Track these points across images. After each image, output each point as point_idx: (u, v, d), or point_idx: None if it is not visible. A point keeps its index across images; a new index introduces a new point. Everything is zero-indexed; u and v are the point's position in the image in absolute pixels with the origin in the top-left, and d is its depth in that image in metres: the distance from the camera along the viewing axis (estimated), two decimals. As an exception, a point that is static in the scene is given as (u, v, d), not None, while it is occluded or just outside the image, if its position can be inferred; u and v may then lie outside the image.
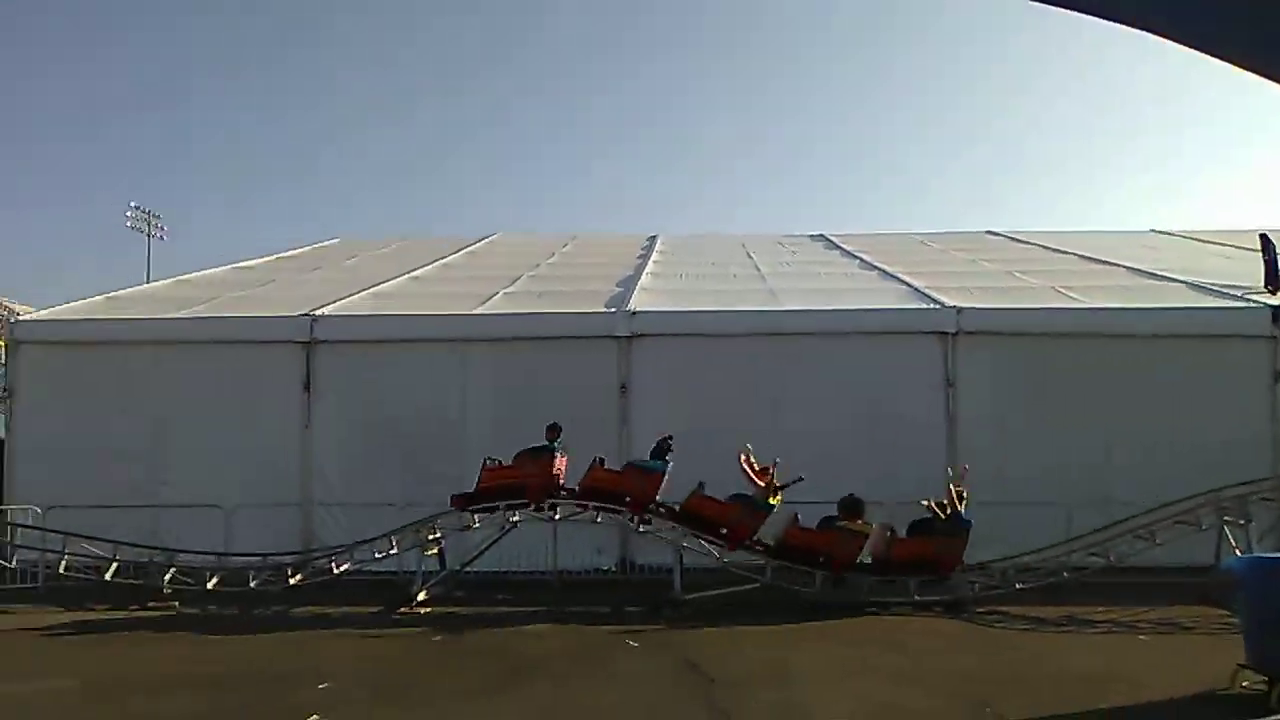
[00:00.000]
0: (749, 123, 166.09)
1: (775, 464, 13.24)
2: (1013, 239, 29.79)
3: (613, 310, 17.68)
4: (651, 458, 13.37)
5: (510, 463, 13.14)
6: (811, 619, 11.96)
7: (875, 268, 23.34)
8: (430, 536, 13.54)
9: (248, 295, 20.55)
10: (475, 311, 18.03)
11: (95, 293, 20.83)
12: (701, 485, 13.30)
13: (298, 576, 13.52)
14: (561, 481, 13.14)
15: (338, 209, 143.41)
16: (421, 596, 13.06)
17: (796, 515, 13.13)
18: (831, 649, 10.35)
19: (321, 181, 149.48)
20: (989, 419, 16.31)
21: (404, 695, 8.60)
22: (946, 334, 16.66)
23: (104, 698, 8.77)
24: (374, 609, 12.71)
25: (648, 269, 23.15)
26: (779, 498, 13.15)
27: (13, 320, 19.80)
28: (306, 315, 17.33)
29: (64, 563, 13.98)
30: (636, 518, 13.16)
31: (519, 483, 13.05)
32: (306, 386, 16.79)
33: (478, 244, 29.79)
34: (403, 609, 12.74)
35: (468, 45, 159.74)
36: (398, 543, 13.58)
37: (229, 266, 25.23)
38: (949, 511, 13.22)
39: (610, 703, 8.15)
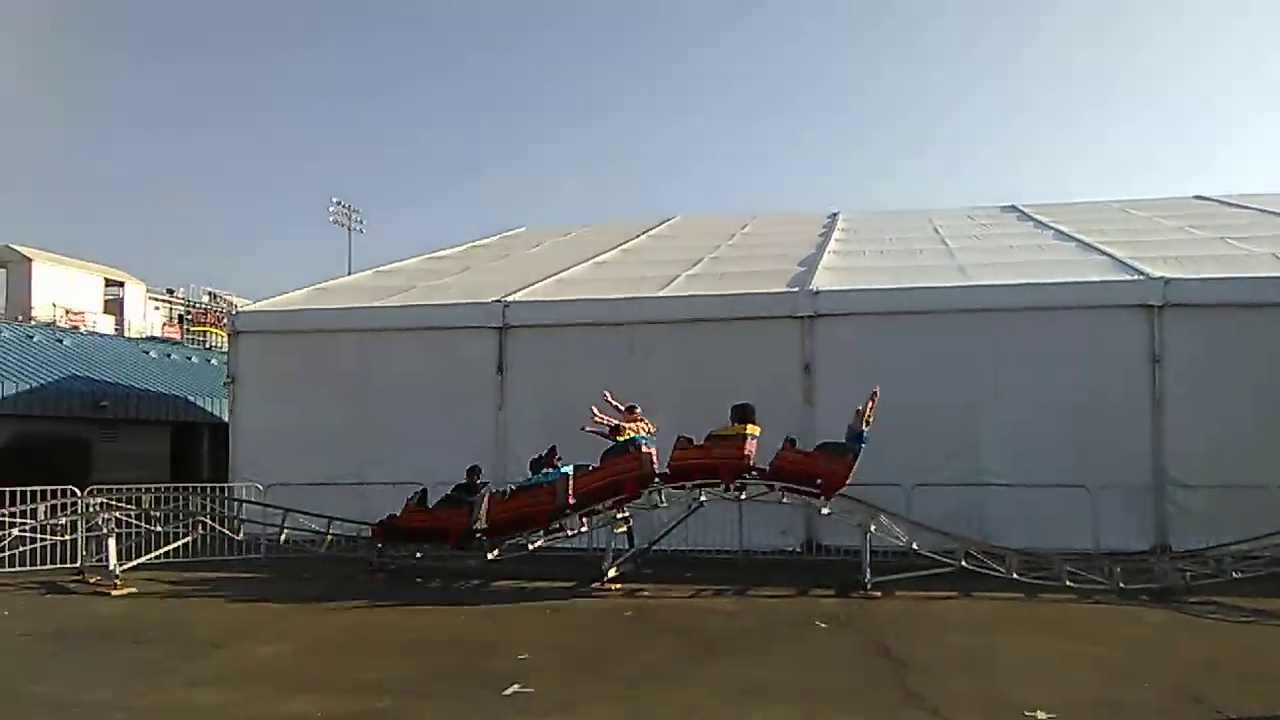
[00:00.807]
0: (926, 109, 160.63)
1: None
2: (1224, 203, 27.72)
3: (795, 290, 17.54)
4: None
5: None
6: (1009, 605, 11.58)
7: (1072, 239, 22.23)
8: (619, 515, 13.83)
9: (443, 284, 21.49)
10: (658, 294, 18.27)
11: (304, 284, 22.26)
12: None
13: (495, 551, 14.09)
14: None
15: (519, 204, 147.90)
16: (612, 573, 13.37)
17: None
18: (1032, 639, 9.96)
19: (504, 178, 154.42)
20: (1199, 397, 15.34)
21: (599, 668, 8.86)
22: (1152, 307, 15.75)
23: (323, 660, 9.44)
24: (567, 584, 13.13)
25: (830, 247, 22.82)
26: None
27: (234, 312, 21.39)
28: (499, 301, 18.03)
29: (284, 535, 15.09)
30: (823, 498, 12.95)
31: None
32: (500, 369, 17.49)
33: (659, 227, 30.09)
34: (594, 584, 13.10)
35: (652, 48, 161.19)
36: (588, 520, 13.95)
37: (424, 256, 26.43)
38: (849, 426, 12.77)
39: (801, 684, 8.14)
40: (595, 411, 13.96)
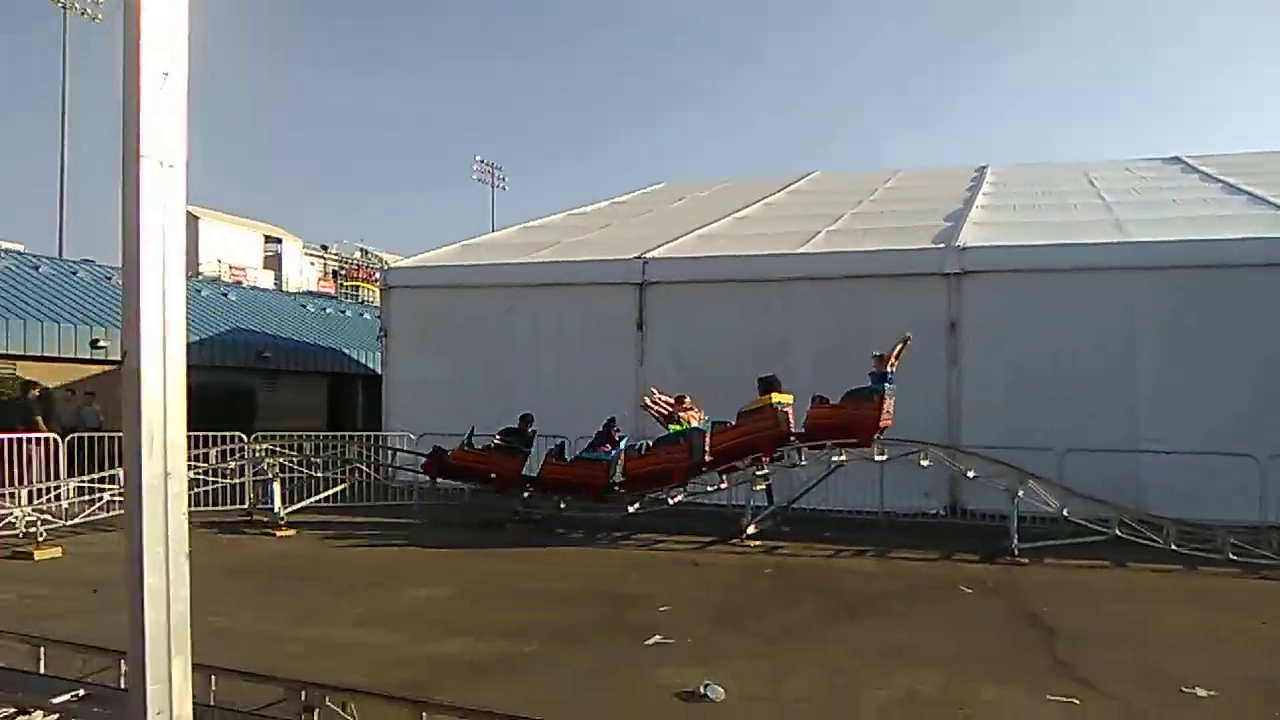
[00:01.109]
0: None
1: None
2: None
3: (941, 246, 17.06)
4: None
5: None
6: (1166, 576, 11.12)
7: (1242, 191, 20.86)
8: (758, 472, 13.84)
9: (585, 240, 21.74)
10: (799, 250, 18.05)
11: (450, 240, 22.89)
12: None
13: (635, 505, 14.32)
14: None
15: (658, 163, 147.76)
16: (751, 530, 13.43)
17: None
18: (1190, 612, 9.54)
19: (645, 133, 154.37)
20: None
21: (739, 624, 8.94)
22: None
23: (472, 605, 9.82)
24: (707, 539, 13.25)
25: (978, 202, 22.07)
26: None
27: (385, 268, 22.17)
28: (639, 258, 18.13)
29: (435, 483, 15.68)
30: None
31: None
32: (640, 325, 17.63)
33: (799, 182, 29.63)
34: (733, 540, 13.18)
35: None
36: (727, 477, 14.01)
37: (567, 213, 26.76)
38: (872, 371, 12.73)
39: (944, 648, 8.02)
40: (648, 401, 14.35)
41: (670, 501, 14.11)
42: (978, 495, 14.21)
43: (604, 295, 18.08)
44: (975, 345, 15.79)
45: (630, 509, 14.12)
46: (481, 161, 66.32)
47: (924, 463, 13.13)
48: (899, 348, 12.88)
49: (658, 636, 8.23)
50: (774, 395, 13.21)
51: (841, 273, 16.95)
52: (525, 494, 15.02)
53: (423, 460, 15.26)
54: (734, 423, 13.38)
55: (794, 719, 6.13)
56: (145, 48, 1.59)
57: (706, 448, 13.52)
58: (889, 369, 12.74)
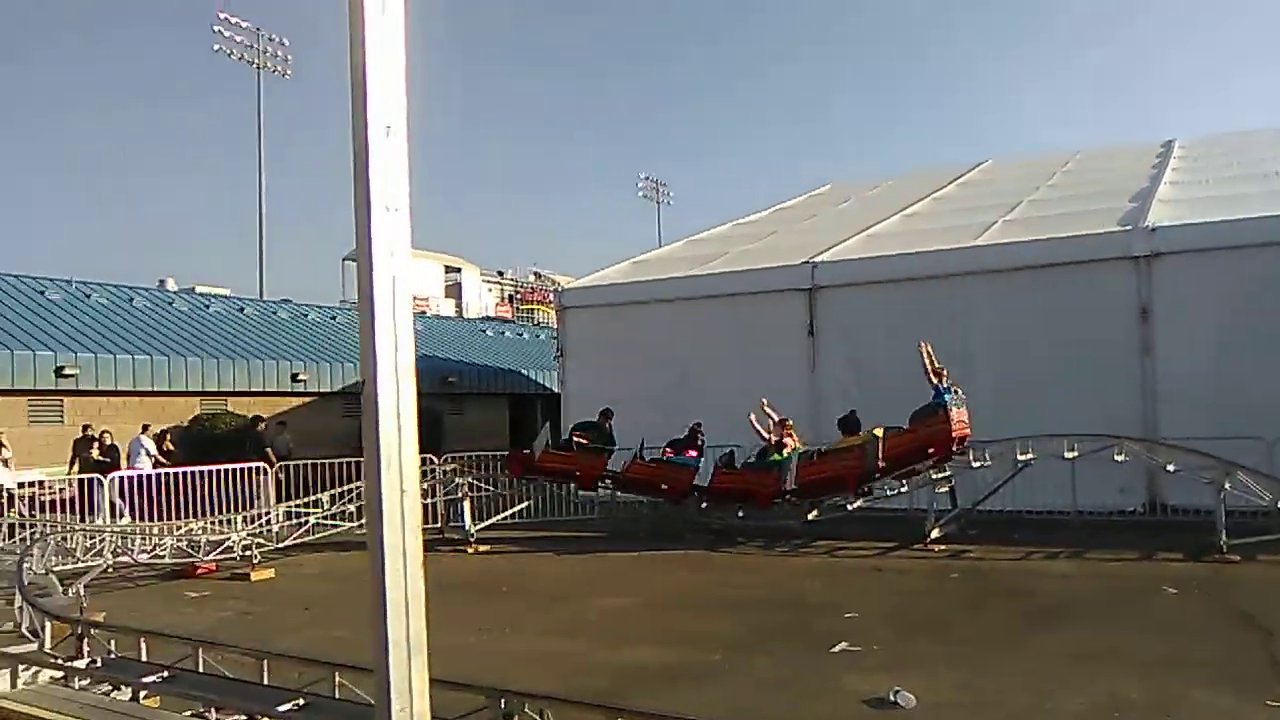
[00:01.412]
0: None
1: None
2: None
3: (1127, 228, 16.21)
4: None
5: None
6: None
7: None
8: (939, 475, 13.52)
9: (752, 249, 21.77)
10: (973, 243, 17.52)
11: (619, 258, 23.35)
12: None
13: (814, 512, 14.22)
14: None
15: (820, 160, 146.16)
16: (935, 534, 13.12)
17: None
18: None
19: (803, 131, 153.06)
20: None
21: (928, 629, 8.77)
22: None
23: (657, 614, 10.02)
24: (889, 545, 13.04)
25: (1165, 178, 20.86)
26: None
27: (559, 290, 22.83)
28: (807, 263, 18.02)
29: (616, 497, 16.04)
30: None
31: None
32: (811, 331, 17.51)
33: (970, 173, 28.73)
34: (916, 546, 12.91)
35: None
36: (908, 480, 13.74)
37: (732, 223, 26.85)
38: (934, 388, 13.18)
39: (1151, 653, 7.63)
40: (754, 420, 14.84)
41: (850, 507, 13.96)
42: (1179, 490, 13.43)
43: (774, 303, 18.05)
44: (1170, 331, 14.92)
45: (809, 516, 14.05)
46: (646, 179, 67.29)
47: (1119, 458, 12.51)
48: (927, 361, 13.47)
49: (844, 644, 8.18)
50: (858, 435, 13.85)
51: (1020, 263, 16.34)
52: (703, 504, 15.16)
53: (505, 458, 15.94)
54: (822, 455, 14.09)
55: (988, 726, 5.98)
56: (371, 105, 1.84)
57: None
58: (940, 383, 13.27)
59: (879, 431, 13.49)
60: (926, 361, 13.46)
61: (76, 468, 16.47)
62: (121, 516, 15.24)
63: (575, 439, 15.58)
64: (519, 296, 65.79)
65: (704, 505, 15.18)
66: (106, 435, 17.49)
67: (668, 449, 15.19)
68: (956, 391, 13.37)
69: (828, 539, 13.63)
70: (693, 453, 14.85)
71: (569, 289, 21.92)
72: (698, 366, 18.41)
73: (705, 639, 8.62)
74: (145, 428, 20.84)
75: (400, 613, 1.80)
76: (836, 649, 8.05)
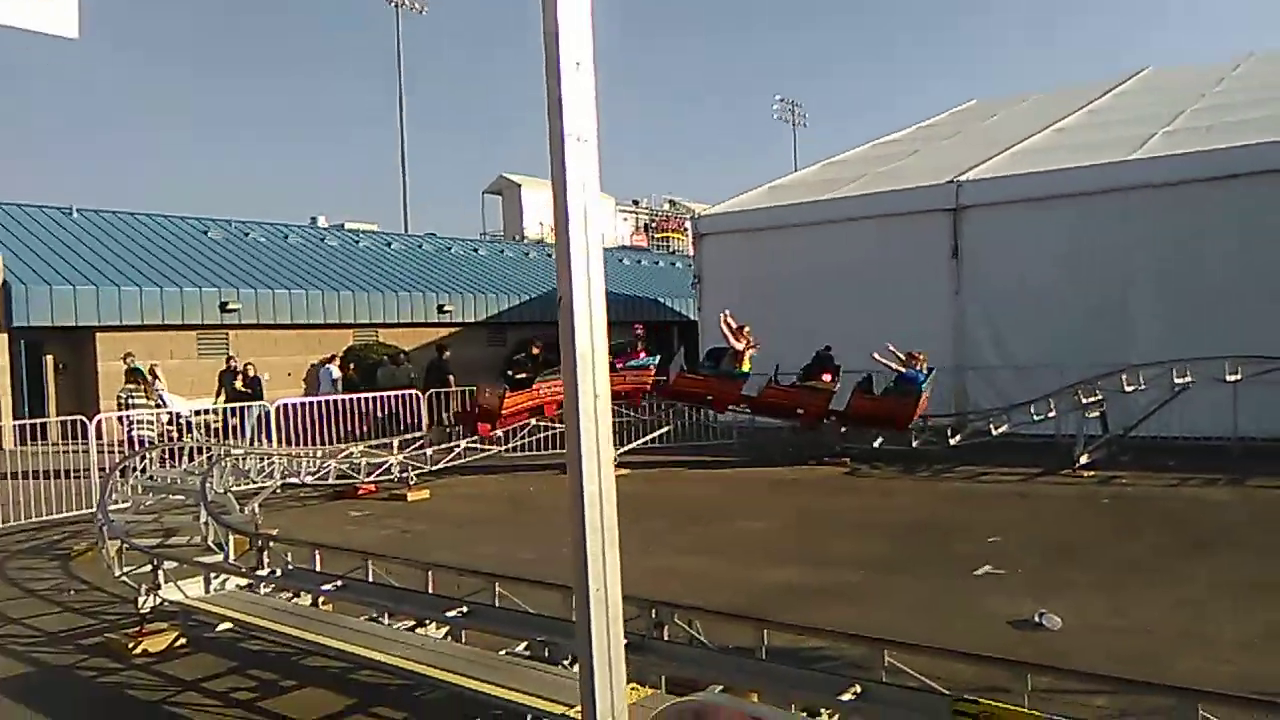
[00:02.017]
0: None
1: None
2: None
3: (1300, 138, 15.11)
4: None
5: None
6: None
7: None
8: (1089, 399, 13.12)
9: (892, 169, 21.22)
10: (1128, 158, 16.63)
11: (754, 184, 23.13)
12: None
13: (956, 438, 14.04)
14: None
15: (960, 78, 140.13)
16: (1084, 460, 12.78)
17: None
18: None
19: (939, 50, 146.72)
20: None
21: (1075, 556, 8.63)
22: None
23: (797, 536, 10.15)
24: (1035, 470, 12.79)
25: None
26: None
27: (696, 217, 22.83)
28: (951, 182, 17.49)
29: (754, 422, 16.16)
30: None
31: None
32: (954, 253, 17.06)
33: (1126, 83, 27.12)
34: (1065, 471, 12.62)
35: None
36: (1056, 405, 13.38)
37: (871, 143, 26.18)
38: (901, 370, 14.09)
39: (1315, 581, 7.35)
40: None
41: (994, 431, 13.73)
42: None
43: (916, 225, 17.61)
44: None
45: (951, 441, 13.89)
46: (781, 100, 65.99)
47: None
48: (911, 359, 14.39)
49: (987, 567, 8.15)
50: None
51: (1182, 177, 15.41)
52: (842, 429, 15.13)
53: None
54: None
55: (1139, 650, 5.90)
56: (562, 41, 2.01)
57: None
58: (919, 367, 14.17)
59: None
60: (892, 357, 14.51)
61: (223, 398, 17.59)
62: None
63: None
64: (654, 225, 65.88)
65: (843, 430, 15.15)
66: (250, 367, 18.60)
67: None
68: (932, 373, 14.42)
69: (969, 464, 13.45)
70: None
71: (705, 215, 21.87)
72: (836, 292, 18.18)
73: (845, 560, 8.72)
74: (332, 357, 22.45)
75: (595, 501, 2.00)
76: (980, 572, 8.03)
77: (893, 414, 14.32)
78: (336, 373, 21.10)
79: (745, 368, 15.19)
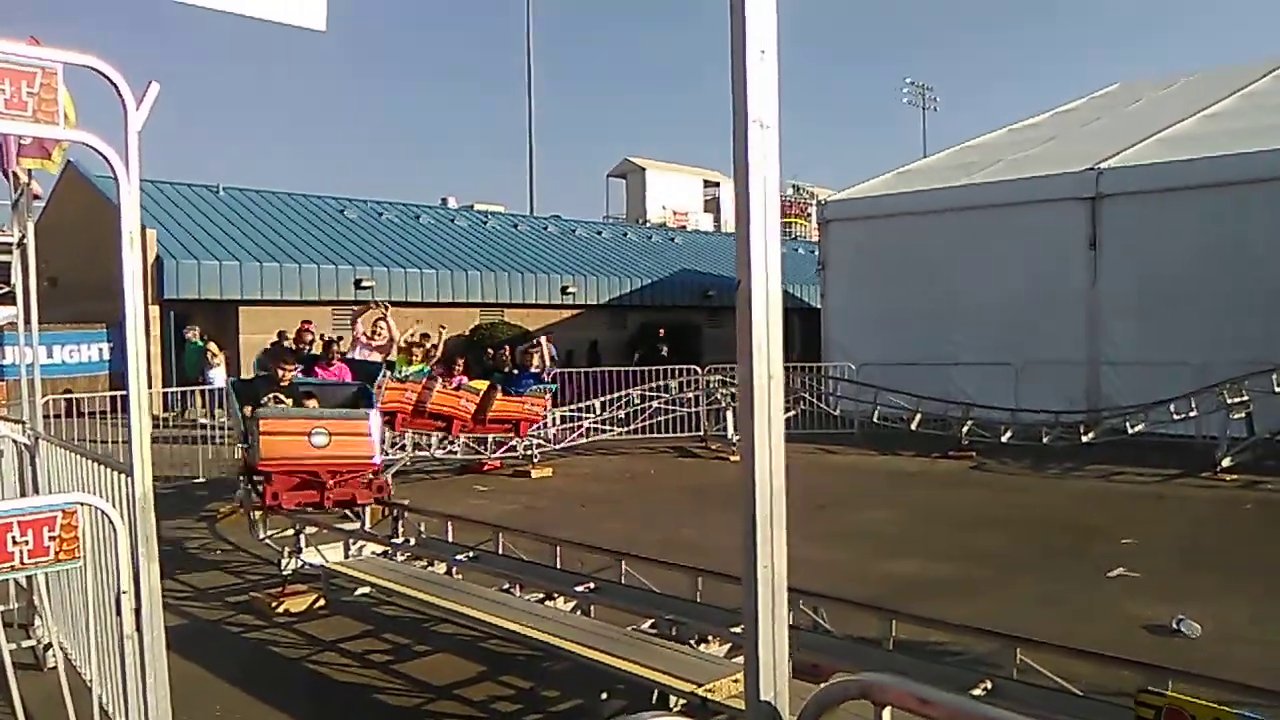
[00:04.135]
0: None
1: None
2: None
3: None
4: None
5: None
6: None
7: None
8: (1235, 399, 12.54)
9: (1029, 155, 20.58)
10: (1290, 145, 15.72)
11: (880, 170, 22.74)
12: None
13: (1090, 434, 13.61)
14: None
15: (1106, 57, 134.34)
16: (1226, 463, 12.23)
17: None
18: None
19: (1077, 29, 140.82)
20: None
21: (1214, 561, 8.31)
22: None
23: (922, 528, 10.01)
24: (1173, 472, 12.31)
25: None
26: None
27: (822, 202, 22.58)
28: (1091, 170, 16.89)
29: (876, 412, 15.96)
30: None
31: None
32: (1092, 243, 16.49)
33: (1286, 66, 25.58)
34: (1205, 474, 12.11)
35: None
36: (1198, 404, 12.84)
37: (1006, 129, 25.41)
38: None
39: None
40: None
41: (1130, 430, 13.26)
42: None
43: (1052, 213, 17.05)
44: None
45: (1085, 438, 13.48)
46: (911, 83, 64.55)
47: None
48: (536, 354, 13.96)
49: (1121, 569, 7.91)
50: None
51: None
52: (969, 422, 14.83)
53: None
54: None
55: (1283, 663, 5.67)
56: (750, 30, 2.11)
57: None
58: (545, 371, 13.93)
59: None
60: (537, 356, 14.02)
61: None
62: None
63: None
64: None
65: (967, 426, 14.83)
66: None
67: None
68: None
69: (1103, 463, 13.02)
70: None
71: (831, 201, 21.62)
72: (967, 281, 17.80)
73: (974, 555, 8.58)
74: (549, 333, 23.56)
75: (766, 480, 2.09)
76: (1114, 574, 7.80)
77: (517, 417, 13.45)
78: (554, 350, 22.66)
79: (412, 367, 12.60)
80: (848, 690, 1.87)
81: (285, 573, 7.70)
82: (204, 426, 14.92)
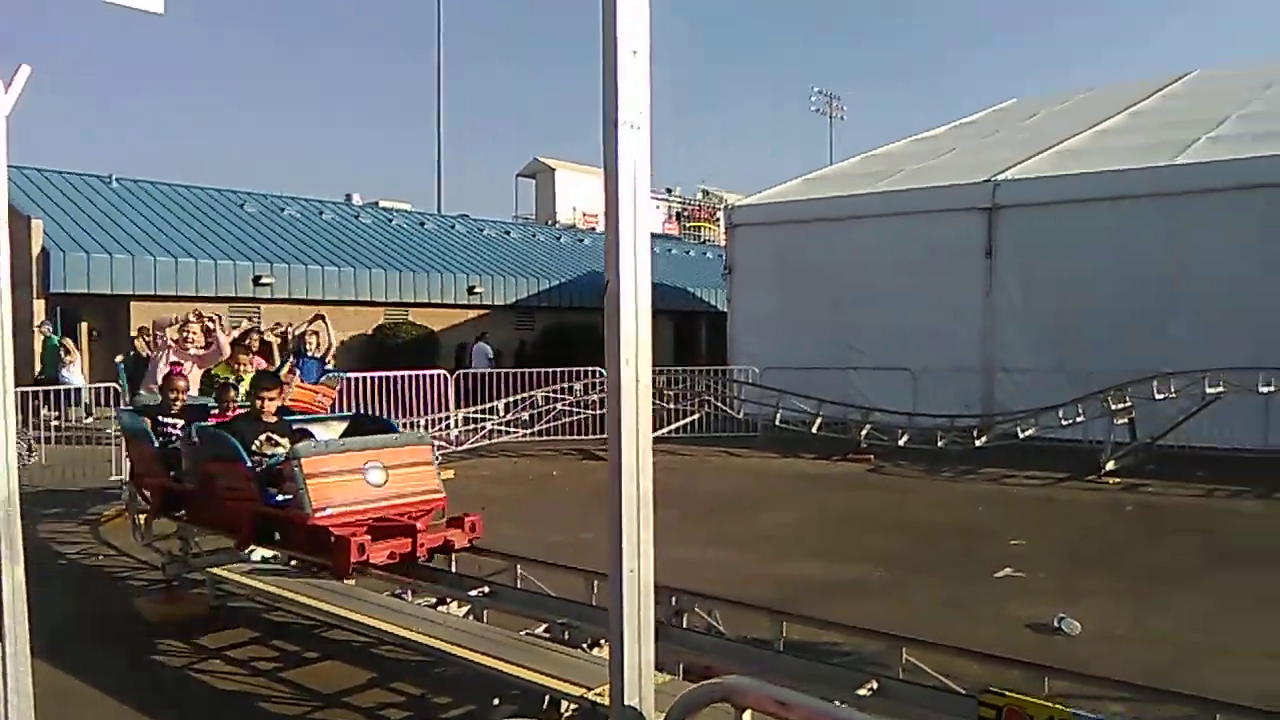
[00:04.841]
0: None
1: None
2: None
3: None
4: None
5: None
6: None
7: None
8: (1118, 405, 13.03)
9: (929, 166, 21.08)
10: (1173, 162, 16.41)
11: (787, 177, 23.06)
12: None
13: (983, 438, 13.98)
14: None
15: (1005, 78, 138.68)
16: (1110, 466, 12.71)
17: None
18: None
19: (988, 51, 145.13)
20: None
21: (1097, 562, 8.59)
22: None
23: (821, 532, 10.17)
24: (1060, 475, 12.72)
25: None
26: None
27: (729, 207, 22.78)
28: (988, 181, 17.37)
29: (779, 415, 16.15)
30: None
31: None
32: (988, 252, 16.96)
33: (1173, 85, 26.74)
34: (1090, 477, 12.54)
35: None
36: (1084, 410, 13.30)
37: (909, 139, 26.00)
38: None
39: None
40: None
41: (1020, 434, 13.67)
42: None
43: (950, 223, 17.49)
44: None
45: (977, 442, 13.84)
46: (819, 92, 65.60)
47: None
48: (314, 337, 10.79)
49: (1008, 570, 8.13)
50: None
51: (1226, 184, 15.19)
52: (867, 425, 15.10)
53: None
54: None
55: (1158, 660, 5.88)
56: (620, 29, 2.05)
57: None
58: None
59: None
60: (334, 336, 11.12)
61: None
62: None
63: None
64: (687, 214, 65.76)
65: (866, 430, 15.11)
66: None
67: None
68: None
69: (995, 466, 13.40)
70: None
71: (739, 206, 21.83)
72: (868, 288, 18.13)
73: (870, 556, 8.73)
74: (484, 335, 24.43)
75: (633, 483, 2.04)
76: (1001, 574, 8.01)
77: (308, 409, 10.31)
78: (490, 351, 23.13)
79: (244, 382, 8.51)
80: (710, 694, 1.85)
81: (169, 578, 7.43)
82: (57, 428, 14.21)
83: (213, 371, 9.11)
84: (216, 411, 7.39)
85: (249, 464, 6.28)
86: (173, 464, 7.14)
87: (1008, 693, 2.99)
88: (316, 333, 11.01)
